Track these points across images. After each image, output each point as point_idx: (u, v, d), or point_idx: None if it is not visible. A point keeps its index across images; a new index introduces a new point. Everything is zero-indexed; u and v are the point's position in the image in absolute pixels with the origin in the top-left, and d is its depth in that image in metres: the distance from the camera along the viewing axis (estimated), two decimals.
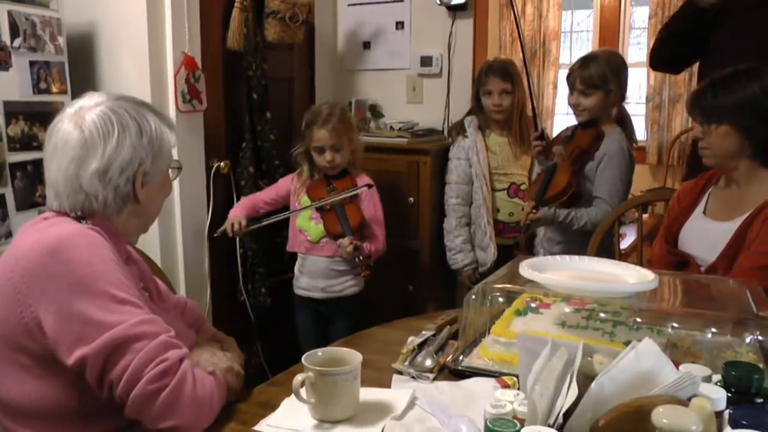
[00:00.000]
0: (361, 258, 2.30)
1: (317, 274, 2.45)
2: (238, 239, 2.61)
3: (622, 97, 2.43)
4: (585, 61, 2.38)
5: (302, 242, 2.45)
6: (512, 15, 4.90)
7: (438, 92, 3.17)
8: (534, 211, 2.34)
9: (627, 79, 2.42)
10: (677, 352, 1.23)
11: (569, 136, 2.44)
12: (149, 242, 2.25)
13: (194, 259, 2.49)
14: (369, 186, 2.41)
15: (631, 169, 2.42)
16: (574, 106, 2.41)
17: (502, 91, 2.63)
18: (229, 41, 2.57)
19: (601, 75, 2.32)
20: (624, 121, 2.47)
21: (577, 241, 2.35)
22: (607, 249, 2.27)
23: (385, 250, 2.46)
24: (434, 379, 1.31)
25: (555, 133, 2.80)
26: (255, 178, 2.67)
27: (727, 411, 0.88)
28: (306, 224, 2.44)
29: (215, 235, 2.45)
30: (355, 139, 2.46)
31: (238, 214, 2.44)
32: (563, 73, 5.10)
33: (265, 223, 2.46)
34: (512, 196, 2.73)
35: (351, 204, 2.40)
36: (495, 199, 2.72)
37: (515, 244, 2.69)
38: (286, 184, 2.53)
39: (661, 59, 2.51)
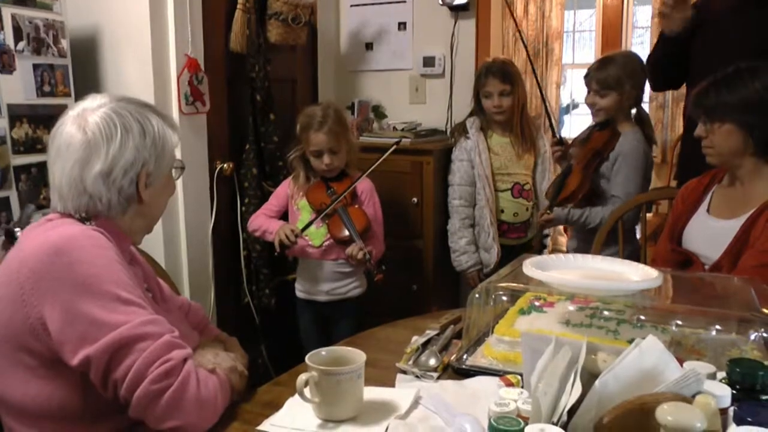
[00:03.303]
0: (372, 262, 2.27)
1: (321, 277, 2.42)
2: (241, 240, 2.62)
3: (639, 98, 2.48)
4: (603, 63, 2.44)
5: (303, 247, 2.41)
6: (513, 16, 4.92)
7: (441, 92, 3.18)
8: (548, 211, 2.42)
9: (644, 81, 2.47)
10: (681, 350, 1.23)
11: (585, 138, 2.48)
12: (153, 244, 2.25)
13: (198, 261, 2.49)
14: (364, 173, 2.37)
15: (648, 167, 2.46)
16: (591, 106, 2.46)
17: (501, 92, 2.63)
18: (231, 43, 2.57)
19: (616, 77, 2.37)
20: (643, 122, 2.51)
21: (591, 240, 2.36)
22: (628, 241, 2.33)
23: (384, 251, 2.44)
24: (438, 378, 1.31)
25: (551, 131, 2.83)
26: (258, 180, 2.67)
27: (731, 408, 0.88)
28: (307, 229, 2.42)
29: (277, 253, 2.38)
30: (351, 140, 2.45)
31: (281, 224, 2.36)
32: (566, 73, 5.11)
33: (308, 226, 2.34)
34: (516, 197, 2.73)
35: (354, 207, 2.37)
36: (499, 200, 2.72)
37: (527, 242, 2.70)
38: (283, 190, 2.50)
39: (658, 85, 2.61)
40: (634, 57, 2.50)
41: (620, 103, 2.41)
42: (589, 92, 2.46)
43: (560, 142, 2.56)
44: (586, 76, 2.48)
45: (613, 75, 2.37)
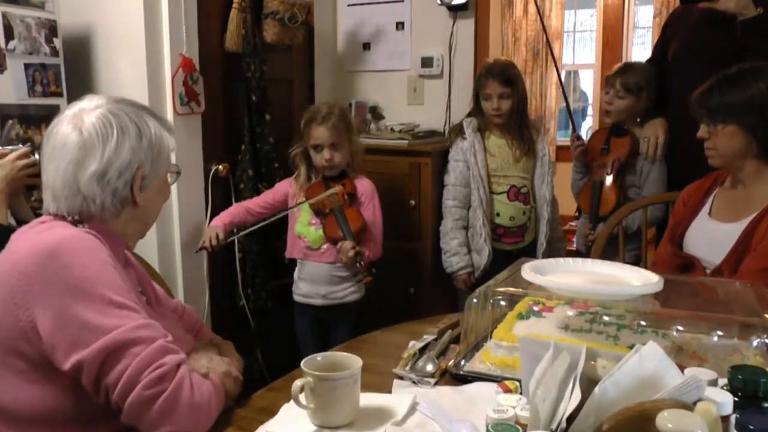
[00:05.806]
0: (363, 264, 2.26)
1: (318, 280, 2.41)
2: (236, 242, 2.60)
3: (650, 108, 2.58)
4: (627, 67, 2.65)
5: (301, 248, 2.41)
6: (513, 15, 4.92)
7: (439, 93, 3.16)
8: (592, 231, 2.55)
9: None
10: (683, 356, 1.22)
11: (606, 148, 2.60)
12: (147, 247, 2.24)
13: (192, 264, 2.47)
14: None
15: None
16: (608, 104, 2.61)
17: (501, 95, 2.61)
18: (227, 42, 2.56)
19: (636, 83, 2.54)
20: None
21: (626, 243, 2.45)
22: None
23: (381, 255, 2.42)
24: (436, 383, 1.29)
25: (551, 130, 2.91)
26: (254, 181, 2.65)
27: (733, 415, 0.87)
28: (305, 230, 2.39)
29: (195, 251, 2.40)
30: (355, 141, 2.43)
31: (216, 225, 2.39)
32: (566, 74, 5.10)
33: (247, 230, 2.38)
34: (512, 199, 2.69)
35: (351, 208, 2.36)
36: (494, 203, 2.69)
37: (524, 248, 2.71)
38: (283, 188, 2.49)
39: None
40: (651, 68, 2.63)
41: (634, 108, 2.56)
42: (608, 92, 2.60)
43: (579, 137, 2.72)
44: (609, 78, 2.63)
45: (634, 81, 2.53)
